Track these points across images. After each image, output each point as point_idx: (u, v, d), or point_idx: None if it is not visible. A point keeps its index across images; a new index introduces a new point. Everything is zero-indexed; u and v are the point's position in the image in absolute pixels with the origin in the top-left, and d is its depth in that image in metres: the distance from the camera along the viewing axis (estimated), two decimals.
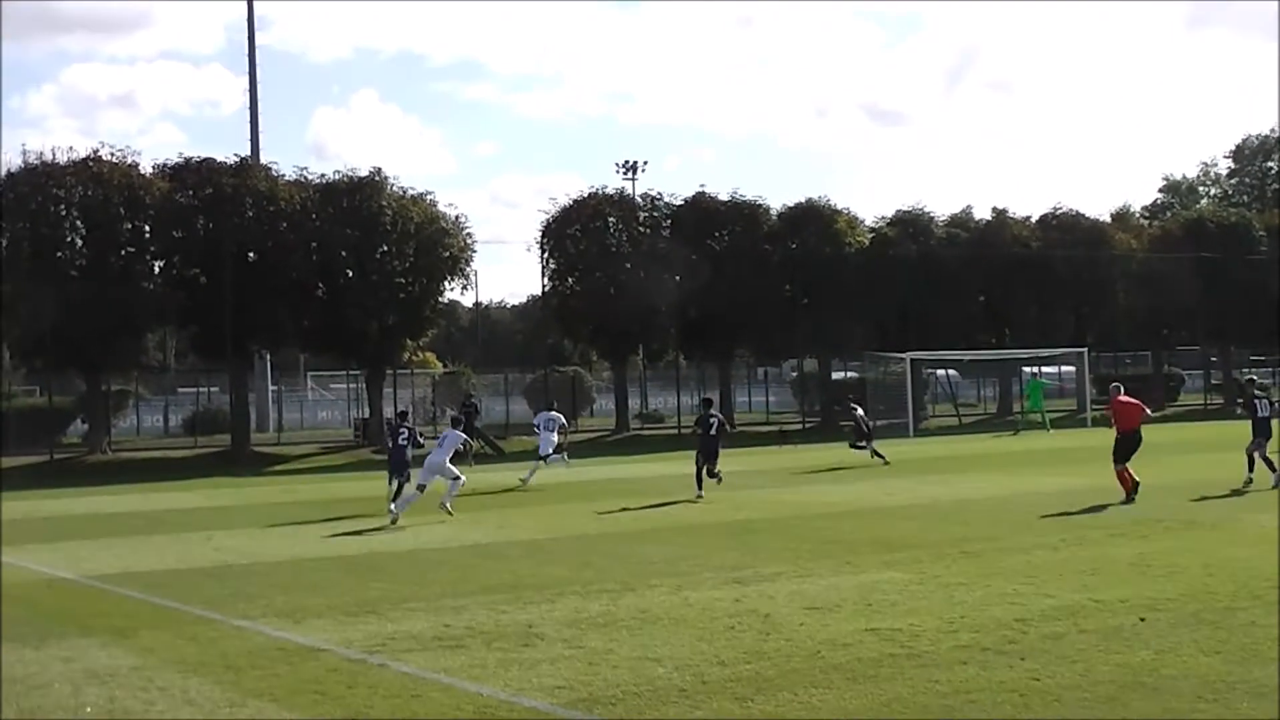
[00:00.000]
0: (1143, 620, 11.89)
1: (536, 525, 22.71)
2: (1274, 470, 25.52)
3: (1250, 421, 26.95)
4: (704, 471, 27.31)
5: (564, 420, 35.54)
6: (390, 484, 25.18)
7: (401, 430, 25.70)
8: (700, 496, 26.66)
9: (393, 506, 23.67)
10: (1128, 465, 24.33)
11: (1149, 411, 25.69)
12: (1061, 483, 27.93)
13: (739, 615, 12.86)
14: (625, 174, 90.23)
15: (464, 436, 26.63)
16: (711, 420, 28.22)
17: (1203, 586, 13.70)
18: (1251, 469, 25.79)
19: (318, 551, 19.64)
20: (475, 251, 51.72)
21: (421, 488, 23.93)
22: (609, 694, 9.83)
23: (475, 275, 55.25)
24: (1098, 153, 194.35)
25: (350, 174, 48.92)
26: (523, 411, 58.30)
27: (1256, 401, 27.63)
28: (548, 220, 55.21)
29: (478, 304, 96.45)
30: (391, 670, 10.87)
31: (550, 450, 33.27)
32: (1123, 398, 25.52)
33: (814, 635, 11.76)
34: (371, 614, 13.53)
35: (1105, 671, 10.06)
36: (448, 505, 23.99)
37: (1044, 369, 64.53)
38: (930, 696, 9.52)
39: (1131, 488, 23.98)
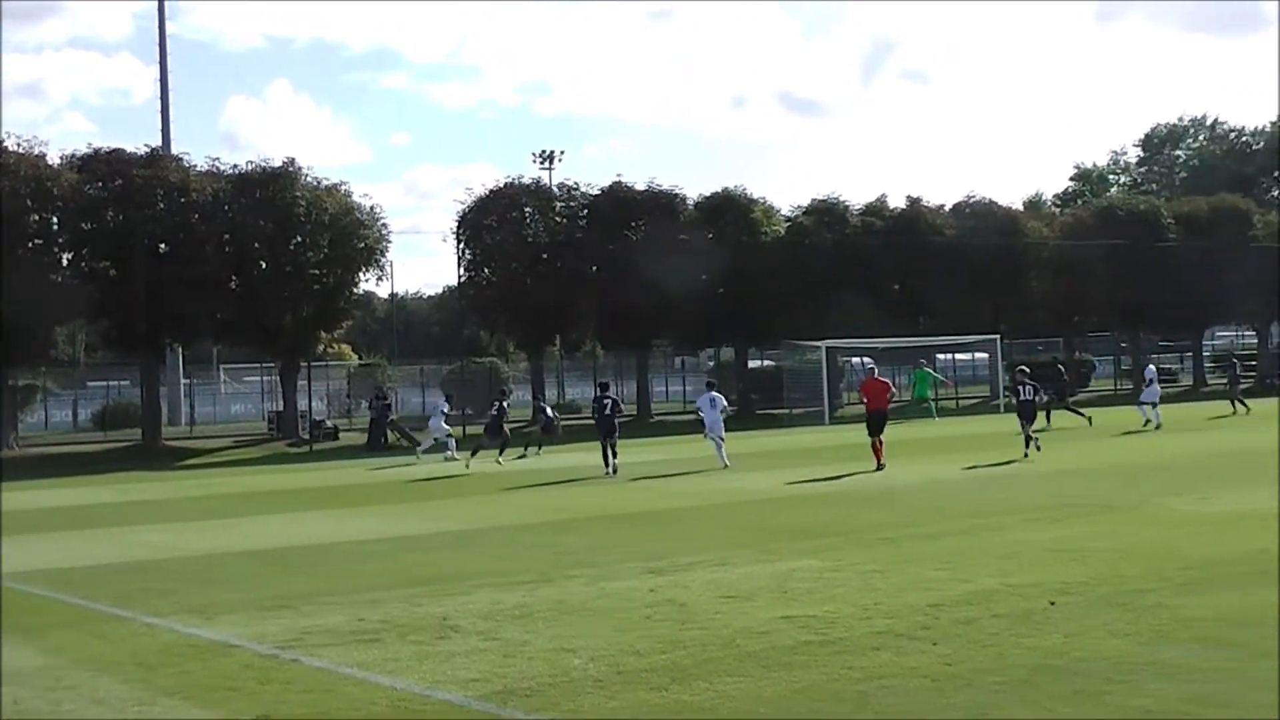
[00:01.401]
0: (1054, 604, 11.98)
1: (455, 516, 22.61)
2: (1028, 446, 29.90)
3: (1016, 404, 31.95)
4: (608, 450, 30.07)
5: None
6: None
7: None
8: (609, 474, 29.40)
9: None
10: (880, 438, 28.62)
11: (894, 392, 31.55)
12: (977, 469, 28.14)
13: (656, 605, 12.84)
14: (542, 164, 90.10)
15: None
16: (605, 401, 31.10)
17: (1114, 570, 13.84)
18: (1028, 445, 30.00)
19: (231, 546, 19.44)
20: (390, 242, 51.62)
21: None
22: (524, 686, 9.78)
23: (391, 266, 55.38)
24: (1010, 142, 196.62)
25: (264, 164, 48.51)
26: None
27: (1020, 387, 32.18)
28: (464, 211, 55.07)
29: (394, 295, 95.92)
30: (305, 665, 10.75)
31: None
32: (874, 379, 30.59)
33: (730, 624, 11.76)
34: (286, 608, 13.39)
35: (1017, 655, 10.13)
36: None
37: (958, 355, 65.05)
38: (845, 683, 9.55)
39: (880, 460, 28.25)
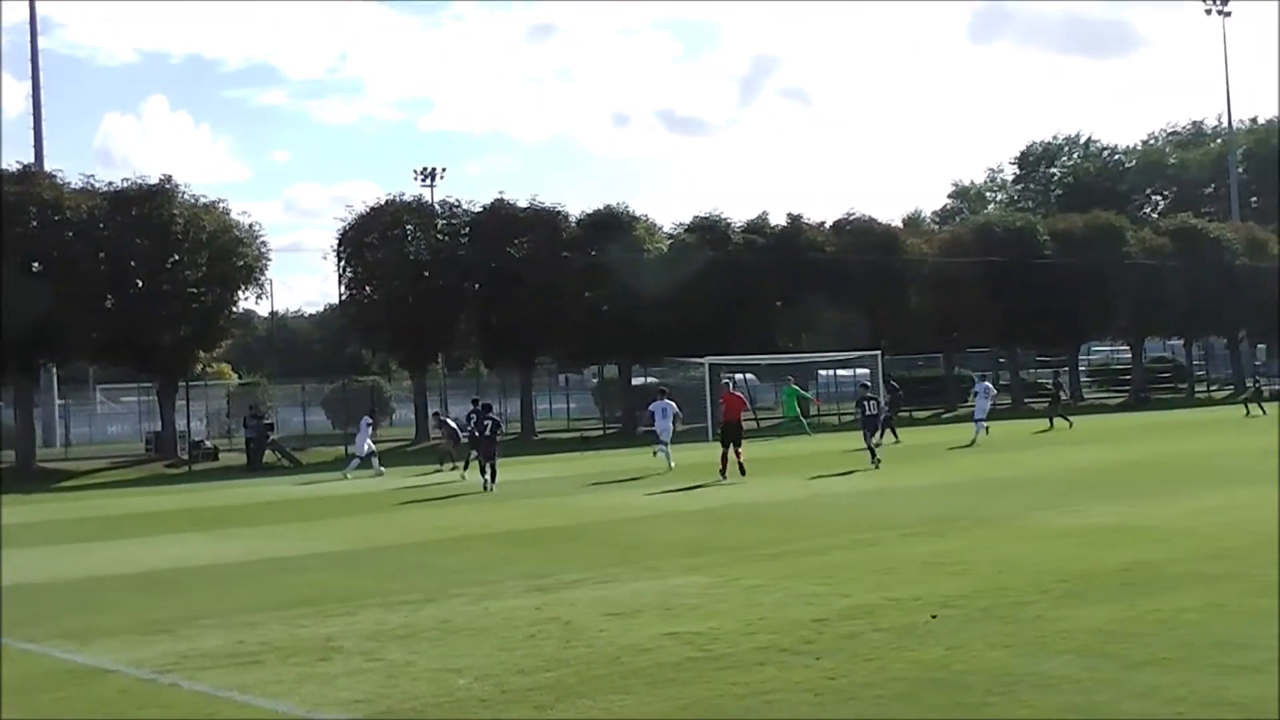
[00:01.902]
0: (935, 617, 12.10)
1: (339, 537, 22.41)
2: (874, 460, 31.91)
3: (861, 419, 34.58)
4: (487, 470, 30.76)
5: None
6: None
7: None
8: (488, 489, 30.08)
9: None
10: (738, 450, 30.27)
11: (749, 406, 34.16)
12: (857, 484, 28.41)
13: (540, 623, 12.81)
14: (424, 181, 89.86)
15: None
16: (486, 422, 31.35)
17: (993, 583, 14.02)
18: (874, 458, 32.12)
19: (108, 569, 19.09)
20: (270, 260, 51.12)
21: None
22: (408, 706, 9.72)
23: (271, 284, 54.65)
24: (890, 160, 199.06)
25: (140, 182, 47.80)
26: (321, 422, 57.61)
27: (865, 403, 34.61)
28: (345, 228, 54.64)
29: (274, 313, 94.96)
30: (184, 689, 10.60)
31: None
32: (731, 393, 32.16)
33: (615, 641, 11.77)
34: (163, 632, 13.18)
35: (899, 669, 10.23)
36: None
37: (839, 371, 65.55)
38: (729, 699, 9.58)
39: (723, 469, 29.87)
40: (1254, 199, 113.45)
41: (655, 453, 35.85)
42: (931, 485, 27.23)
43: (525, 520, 23.74)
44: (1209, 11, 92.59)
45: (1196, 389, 76.54)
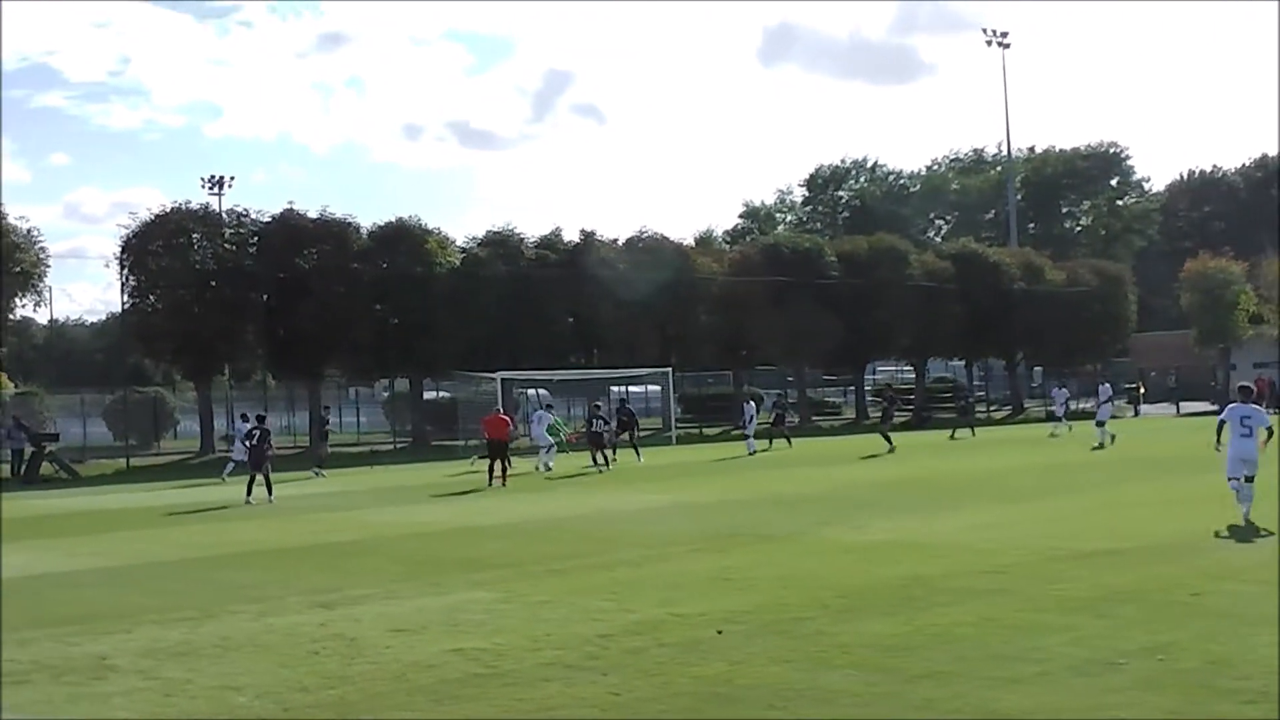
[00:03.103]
0: (720, 633, 12.22)
1: (114, 552, 21.77)
2: (596, 465, 38.03)
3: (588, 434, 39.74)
4: (252, 480, 31.06)
5: None
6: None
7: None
8: (249, 503, 30.18)
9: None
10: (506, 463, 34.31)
11: (513, 426, 38.74)
12: (646, 500, 28.56)
13: (323, 640, 12.62)
14: (211, 189, 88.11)
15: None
16: (254, 432, 31.80)
17: (776, 598, 14.21)
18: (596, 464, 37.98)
19: None
20: (49, 267, 49.63)
21: None
22: None
23: (49, 291, 52.89)
24: (682, 179, 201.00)
25: None
26: (101, 434, 56.02)
27: (593, 420, 39.84)
28: (128, 235, 53.23)
29: (53, 321, 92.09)
30: None
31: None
32: (497, 416, 36.28)
33: (399, 657, 11.65)
34: None
35: (683, 684, 10.31)
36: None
37: (630, 388, 65.89)
38: (514, 715, 9.56)
39: (495, 478, 33.63)
40: (1031, 225, 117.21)
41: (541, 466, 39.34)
42: (721, 501, 27.51)
43: (310, 535, 23.37)
44: (989, 43, 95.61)
45: (976, 409, 78.72)
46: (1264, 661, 10.30)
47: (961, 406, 59.21)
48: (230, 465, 40.00)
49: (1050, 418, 58.20)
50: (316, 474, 40.36)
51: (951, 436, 52.06)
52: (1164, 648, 10.93)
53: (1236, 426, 19.19)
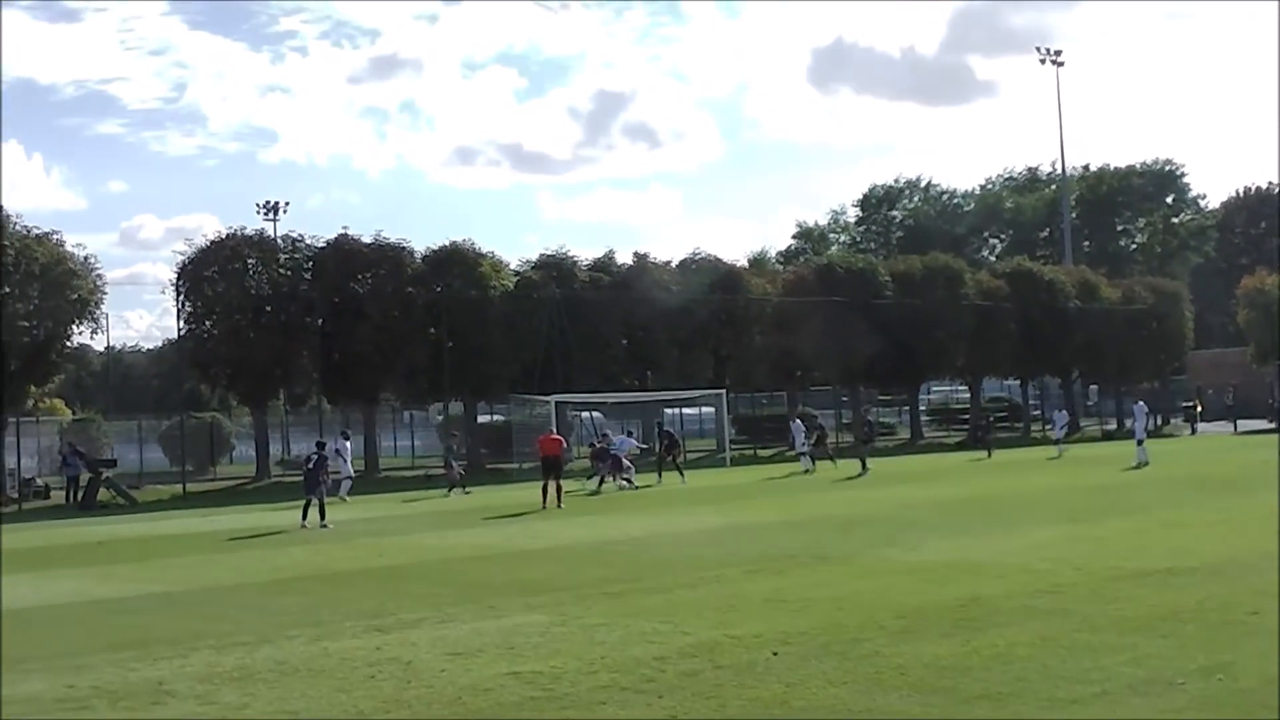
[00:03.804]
0: (775, 654, 12.18)
1: (171, 578, 21.89)
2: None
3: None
4: (307, 505, 30.86)
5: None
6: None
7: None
8: (304, 526, 30.18)
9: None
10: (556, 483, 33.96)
11: (566, 447, 39.60)
12: (700, 522, 28.51)
13: (379, 664, 12.65)
14: (266, 215, 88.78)
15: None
16: (312, 456, 31.91)
17: (832, 620, 14.15)
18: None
19: None
20: (106, 294, 49.95)
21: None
22: None
23: (106, 318, 53.31)
24: (736, 199, 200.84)
25: None
26: (158, 459, 56.46)
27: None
28: (184, 261, 53.61)
29: (109, 348, 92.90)
30: None
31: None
32: (550, 436, 36.72)
33: (455, 681, 11.66)
34: None
35: (739, 706, 10.27)
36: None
37: (685, 410, 65.78)
38: None
39: (548, 500, 33.38)
40: (1086, 243, 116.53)
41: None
42: (776, 522, 27.43)
43: (365, 559, 23.44)
44: (1043, 61, 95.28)
45: (1032, 428, 78.21)
46: None
47: (980, 427, 58.59)
48: (347, 484, 41.71)
49: (1053, 442, 56.80)
50: (454, 493, 42.04)
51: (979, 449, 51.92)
52: (1223, 667, 10.82)
53: None
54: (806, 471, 44.46)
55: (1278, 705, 9.54)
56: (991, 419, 62.30)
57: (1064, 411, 57.43)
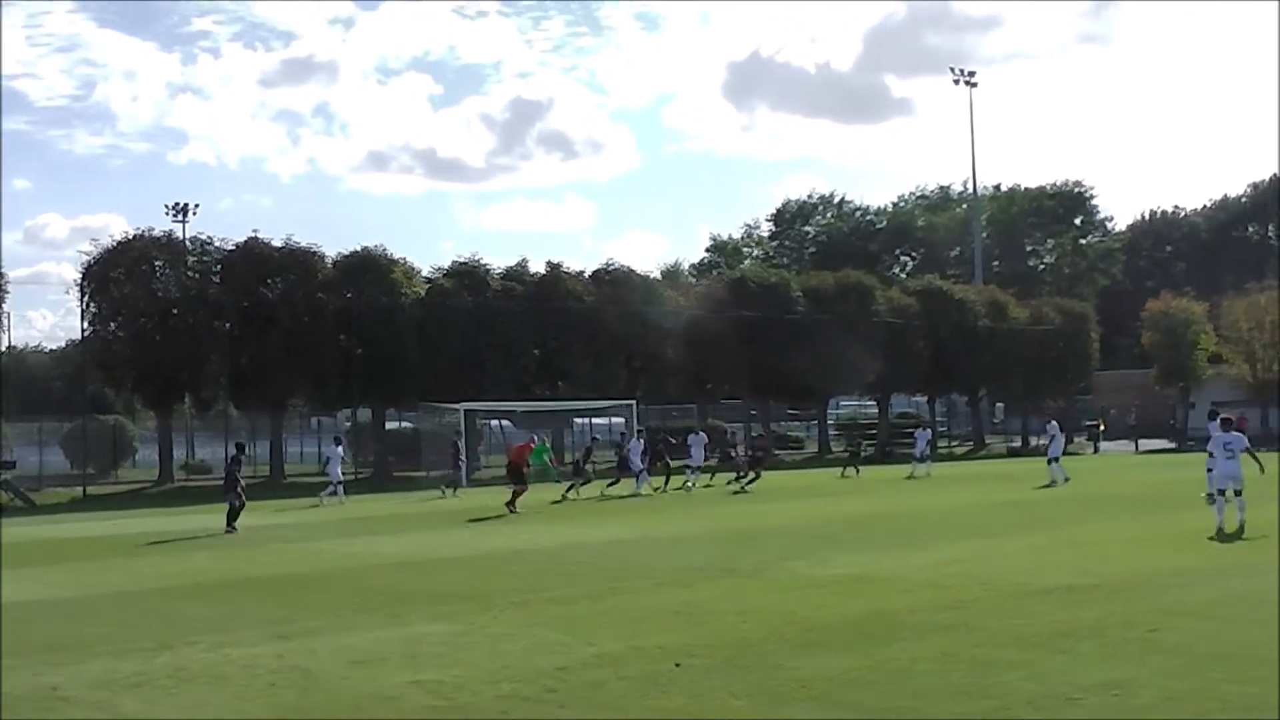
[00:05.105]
0: (678, 666, 12.16)
1: (69, 582, 21.56)
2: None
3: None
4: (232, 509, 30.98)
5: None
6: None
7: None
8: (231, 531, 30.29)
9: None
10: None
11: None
12: (609, 533, 28.48)
13: (280, 671, 12.51)
14: (175, 216, 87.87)
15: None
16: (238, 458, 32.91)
17: (737, 633, 14.15)
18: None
19: None
20: (8, 292, 49.37)
21: None
22: None
23: (8, 317, 52.53)
24: (649, 211, 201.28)
25: None
26: (58, 462, 55.67)
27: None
28: (89, 261, 52.97)
29: (10, 348, 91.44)
30: None
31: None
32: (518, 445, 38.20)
33: (356, 690, 11.56)
34: None
35: (641, 718, 10.24)
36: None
37: (595, 420, 65.75)
38: None
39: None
40: (996, 263, 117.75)
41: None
42: (686, 535, 27.44)
43: (268, 566, 23.19)
44: (957, 81, 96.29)
45: (939, 444, 78.91)
46: (1220, 698, 10.30)
47: (853, 448, 57.50)
48: (331, 489, 41.98)
49: (917, 459, 56.03)
50: (445, 493, 43.65)
51: (842, 475, 51.00)
52: (1120, 684, 10.92)
53: (1221, 450, 23.42)
54: (684, 488, 44.52)
55: None
56: (861, 442, 61.26)
57: (926, 430, 56.57)
